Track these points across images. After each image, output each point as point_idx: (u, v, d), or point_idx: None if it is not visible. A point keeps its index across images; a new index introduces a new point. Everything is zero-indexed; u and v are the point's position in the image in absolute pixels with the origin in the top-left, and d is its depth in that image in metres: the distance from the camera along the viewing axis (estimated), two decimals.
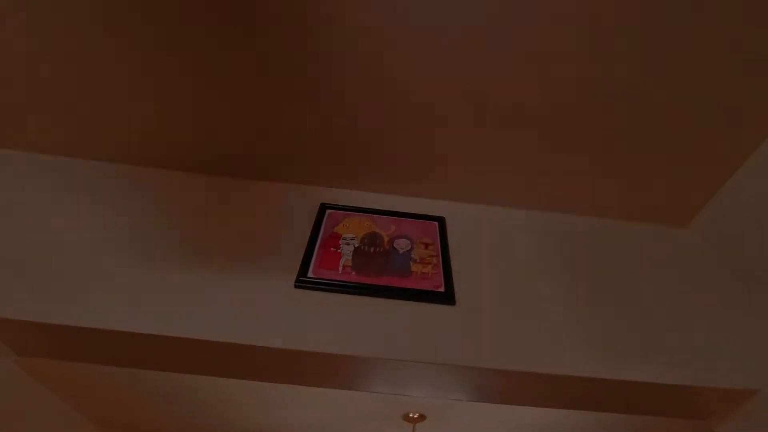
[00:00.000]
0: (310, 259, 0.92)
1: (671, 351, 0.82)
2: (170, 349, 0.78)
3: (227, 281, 0.85)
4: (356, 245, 0.97)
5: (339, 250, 0.95)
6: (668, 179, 1.06)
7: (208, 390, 2.00)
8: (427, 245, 1.00)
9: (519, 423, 2.18)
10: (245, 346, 0.75)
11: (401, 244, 1.00)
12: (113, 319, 0.75)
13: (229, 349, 0.76)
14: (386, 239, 1.00)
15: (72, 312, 0.75)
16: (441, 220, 1.08)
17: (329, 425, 2.28)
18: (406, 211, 1.10)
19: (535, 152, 1.03)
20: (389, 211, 1.09)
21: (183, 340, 0.75)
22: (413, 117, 0.97)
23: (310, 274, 0.88)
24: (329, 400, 2.04)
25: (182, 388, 2.00)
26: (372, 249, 0.97)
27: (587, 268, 1.00)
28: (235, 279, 0.86)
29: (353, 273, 0.90)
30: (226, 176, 1.13)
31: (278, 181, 1.15)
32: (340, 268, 0.91)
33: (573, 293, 0.93)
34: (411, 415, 2.13)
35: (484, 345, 0.80)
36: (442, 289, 0.89)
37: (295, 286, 0.86)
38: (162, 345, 0.77)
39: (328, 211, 1.06)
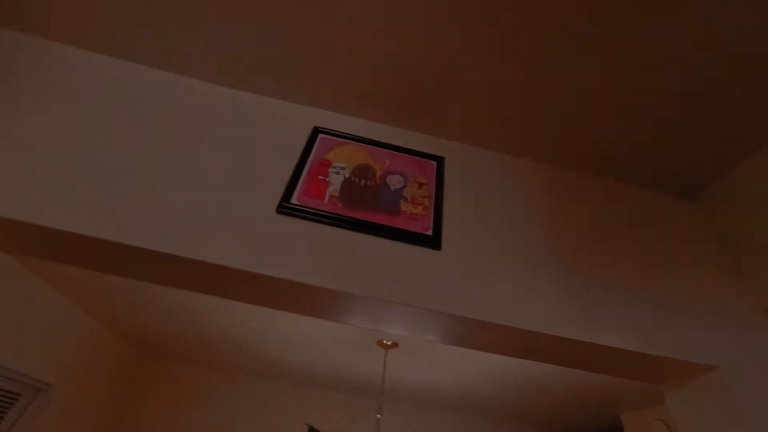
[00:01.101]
0: (296, 184, 0.86)
1: (646, 320, 0.82)
2: (141, 260, 0.75)
3: (207, 196, 0.80)
4: (346, 176, 0.91)
5: (327, 179, 0.89)
6: (685, 150, 0.99)
7: (183, 299, 2.07)
8: (421, 185, 0.94)
9: (489, 363, 2.33)
10: (216, 265, 0.72)
11: (394, 181, 0.93)
12: (101, 228, 0.71)
13: (199, 266, 0.73)
14: (379, 173, 0.94)
15: (60, 216, 0.70)
16: (440, 160, 1.01)
17: (301, 342, 2.42)
18: (405, 146, 1.02)
19: (549, 103, 0.93)
20: (386, 143, 1.01)
21: (155, 253, 0.72)
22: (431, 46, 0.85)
23: (293, 200, 0.83)
24: (303, 318, 2.14)
25: (165, 298, 2.06)
26: (363, 181, 0.91)
27: (579, 227, 0.97)
28: (215, 195, 0.80)
29: (340, 205, 0.85)
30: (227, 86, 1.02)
31: (269, 97, 1.04)
32: (327, 197, 0.86)
33: (560, 252, 0.91)
34: (384, 342, 2.26)
35: (464, 294, 0.78)
36: (429, 233, 0.85)
37: (277, 212, 0.81)
38: (134, 256, 0.74)
39: (320, 136, 0.98)
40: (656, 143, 0.99)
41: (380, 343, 2.29)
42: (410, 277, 0.78)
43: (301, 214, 0.81)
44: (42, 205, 0.72)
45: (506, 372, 2.43)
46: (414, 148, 1.03)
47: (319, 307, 0.80)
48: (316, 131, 0.98)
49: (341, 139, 0.99)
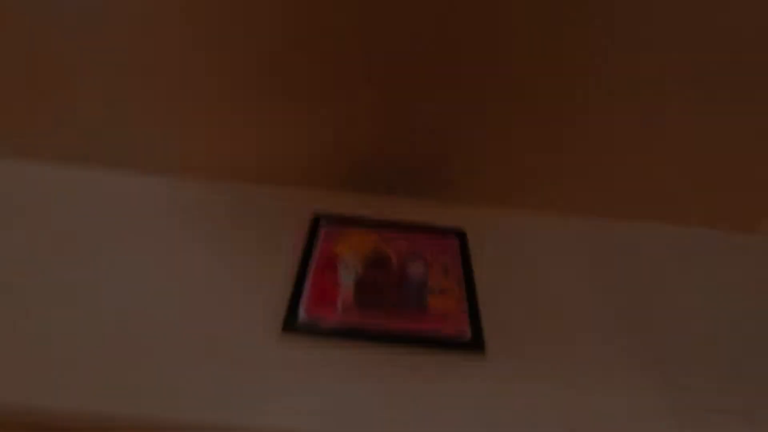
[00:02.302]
0: (300, 292, 0.72)
1: None
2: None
3: (190, 326, 0.66)
4: (359, 271, 0.77)
5: (338, 279, 0.75)
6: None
7: None
8: (446, 270, 0.81)
9: None
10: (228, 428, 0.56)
11: (415, 269, 0.80)
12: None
13: None
14: (396, 262, 0.81)
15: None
16: (462, 236, 0.88)
17: None
18: (418, 220, 0.90)
19: (581, 148, 0.82)
20: (398, 222, 0.89)
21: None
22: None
23: (301, 314, 0.68)
24: None
25: None
26: (379, 276, 0.77)
27: (661, 292, 0.82)
28: (197, 328, 0.66)
29: (356, 311, 0.71)
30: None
31: (257, 183, 0.93)
32: (340, 304, 0.71)
33: (646, 331, 0.75)
34: None
35: (528, 415, 0.62)
36: (467, 335, 0.70)
37: (283, 331, 0.66)
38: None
39: (322, 225, 0.86)
40: None
41: None
42: (452, 403, 0.62)
43: (312, 332, 0.66)
44: None
45: None
46: (430, 223, 0.90)
47: None
48: (317, 220, 0.86)
49: (346, 226, 0.86)
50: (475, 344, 0.69)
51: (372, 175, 0.90)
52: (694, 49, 0.72)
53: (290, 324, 0.67)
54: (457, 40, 0.72)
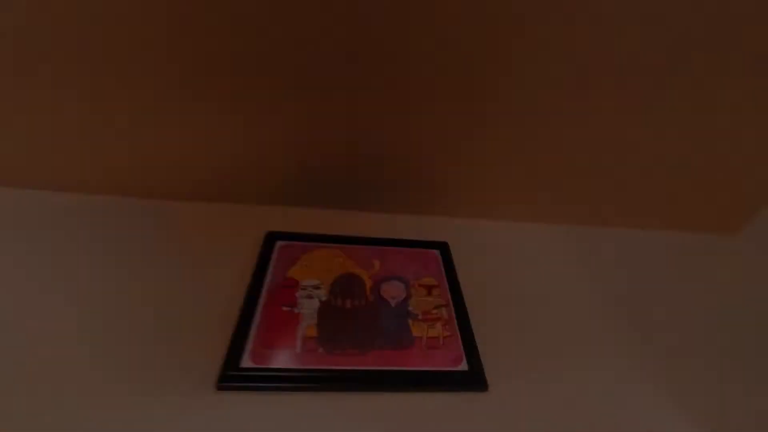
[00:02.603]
0: (247, 332, 0.55)
1: None
2: None
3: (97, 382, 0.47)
4: (323, 298, 0.62)
5: (296, 309, 0.60)
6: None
7: None
8: (430, 289, 0.67)
9: None
10: None
11: (392, 291, 0.66)
12: None
13: None
14: (369, 284, 0.66)
15: None
16: (443, 247, 0.76)
17: None
18: (390, 236, 0.77)
19: (569, 151, 0.74)
20: (368, 238, 0.75)
21: None
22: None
23: (245, 362, 0.52)
24: None
25: None
26: (349, 302, 0.62)
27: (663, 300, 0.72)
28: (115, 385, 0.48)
29: (320, 350, 0.55)
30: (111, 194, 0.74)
31: (201, 201, 0.77)
32: (299, 342, 0.55)
33: (655, 343, 0.64)
34: None
35: None
36: (464, 366, 0.56)
37: (218, 388, 0.49)
38: None
39: (278, 244, 0.70)
40: None
41: None
42: None
43: (261, 384, 0.50)
44: None
45: None
46: (405, 237, 0.77)
47: None
48: (271, 238, 0.71)
49: (307, 243, 0.71)
50: (473, 378, 0.54)
51: (334, 188, 0.77)
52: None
53: (229, 376, 0.49)
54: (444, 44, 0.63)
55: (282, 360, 0.52)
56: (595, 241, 0.86)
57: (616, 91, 0.66)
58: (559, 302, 0.70)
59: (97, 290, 0.58)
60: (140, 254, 0.65)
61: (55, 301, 0.55)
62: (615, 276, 0.78)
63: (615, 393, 0.57)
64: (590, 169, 0.78)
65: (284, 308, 0.59)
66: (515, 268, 0.76)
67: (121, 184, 0.73)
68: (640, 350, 0.64)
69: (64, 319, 0.53)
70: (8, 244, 0.62)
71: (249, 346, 0.53)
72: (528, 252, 0.80)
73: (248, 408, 0.48)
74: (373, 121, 0.68)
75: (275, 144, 0.70)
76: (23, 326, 0.51)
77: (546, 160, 0.76)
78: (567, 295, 0.72)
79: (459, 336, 0.60)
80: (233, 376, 0.49)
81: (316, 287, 0.63)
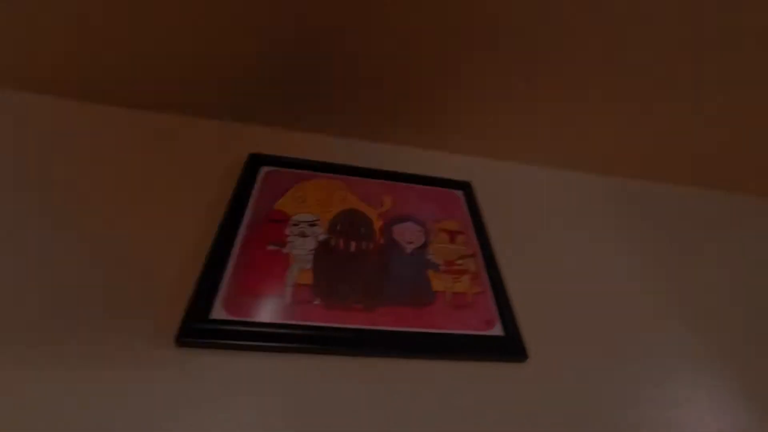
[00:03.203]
0: (221, 275, 0.42)
1: None
2: None
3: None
4: (320, 237, 0.49)
5: (285, 249, 0.46)
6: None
7: None
8: (453, 235, 0.54)
9: None
10: None
11: (407, 234, 0.53)
12: None
13: None
14: (378, 224, 0.53)
15: None
16: (466, 187, 0.62)
17: None
18: (405, 170, 0.63)
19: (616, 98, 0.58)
20: (377, 170, 0.60)
21: None
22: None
23: (216, 312, 0.39)
24: None
25: None
26: (352, 244, 0.49)
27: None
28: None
29: (317, 301, 0.42)
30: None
31: (171, 113, 0.61)
32: (288, 290, 0.42)
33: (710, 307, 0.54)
34: None
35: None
36: (498, 330, 0.44)
37: (178, 343, 0.36)
38: None
39: (263, 170, 0.55)
40: None
41: None
42: None
43: (235, 340, 0.37)
44: None
45: None
46: (421, 173, 0.63)
47: None
48: (256, 162, 0.56)
49: (302, 171, 0.57)
50: (510, 344, 0.43)
51: (336, 108, 0.62)
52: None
53: (193, 330, 0.37)
54: None
55: (266, 312, 0.40)
56: (636, 195, 0.73)
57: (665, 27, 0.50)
58: (600, 258, 0.59)
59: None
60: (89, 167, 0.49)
61: None
62: (656, 233, 0.66)
63: (667, 365, 0.47)
64: (633, 118, 0.63)
65: (270, 247, 0.46)
66: (549, 218, 0.63)
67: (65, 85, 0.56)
68: (682, 313, 0.53)
69: None
70: None
71: (222, 292, 0.40)
72: (564, 201, 0.67)
73: (218, 370, 0.35)
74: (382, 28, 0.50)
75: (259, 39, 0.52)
76: None
77: (577, 108, 0.61)
78: (607, 251, 0.60)
79: (490, 293, 0.48)
80: (199, 330, 0.37)
81: (312, 224, 0.50)
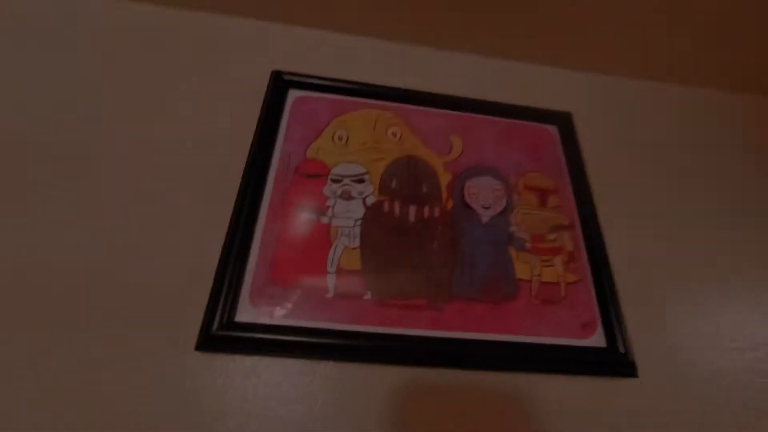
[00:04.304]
0: (245, 259, 0.32)
1: None
2: None
3: None
4: (371, 200, 0.37)
5: (325, 219, 0.35)
6: None
7: None
8: (544, 194, 0.40)
9: None
10: None
11: (483, 194, 0.39)
12: None
13: None
14: (445, 178, 0.39)
15: None
16: (564, 120, 0.45)
17: None
18: (479, 96, 0.45)
19: None
20: (443, 95, 0.44)
21: None
22: None
23: (242, 313, 0.30)
24: None
25: None
26: (414, 211, 0.37)
27: None
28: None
29: (368, 296, 0.33)
30: None
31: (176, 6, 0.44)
32: (331, 278, 0.33)
33: None
34: None
35: None
36: (598, 338, 0.34)
37: (198, 348, 0.29)
38: None
39: (292, 95, 0.41)
40: None
41: None
42: None
43: (263, 346, 0.30)
44: None
45: None
46: (502, 100, 0.46)
47: None
48: (282, 83, 0.41)
49: (344, 98, 0.42)
50: (615, 357, 0.33)
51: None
52: None
53: (213, 336, 0.29)
54: None
55: (302, 310, 0.31)
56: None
57: None
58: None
59: None
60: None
61: None
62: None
63: None
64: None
65: (305, 215, 0.35)
66: (670, 163, 0.46)
67: None
68: None
69: None
70: None
71: (248, 284, 0.31)
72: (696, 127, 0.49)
73: (238, 375, 0.29)
74: None
75: None
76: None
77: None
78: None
79: (591, 283, 0.36)
80: (220, 337, 0.29)
81: (359, 179, 0.38)
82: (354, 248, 0.34)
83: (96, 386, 0.28)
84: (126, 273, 0.31)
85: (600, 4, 0.43)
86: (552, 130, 0.45)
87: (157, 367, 0.29)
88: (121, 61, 0.41)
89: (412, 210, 0.37)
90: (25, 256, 0.31)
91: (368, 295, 0.32)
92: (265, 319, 0.30)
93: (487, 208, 0.38)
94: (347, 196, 0.37)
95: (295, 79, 0.42)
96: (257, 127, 0.38)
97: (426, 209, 0.37)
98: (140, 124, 0.38)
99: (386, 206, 0.37)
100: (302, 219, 0.35)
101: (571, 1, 0.43)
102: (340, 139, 0.40)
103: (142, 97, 0.39)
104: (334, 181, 0.37)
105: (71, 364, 0.28)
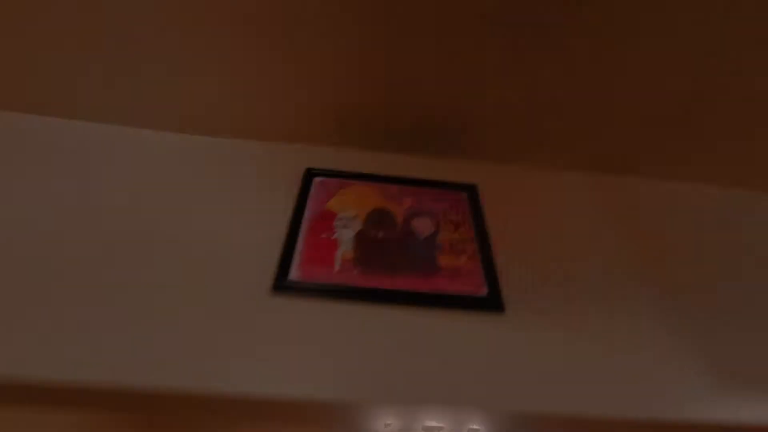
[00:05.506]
0: (292, 252, 0.63)
1: None
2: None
3: (178, 292, 0.57)
4: (358, 228, 0.69)
5: (334, 236, 0.67)
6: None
7: None
8: (457, 225, 0.72)
9: None
10: (196, 396, 0.48)
11: (421, 226, 0.71)
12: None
13: (170, 400, 0.49)
14: (400, 218, 0.72)
15: None
16: (472, 189, 0.79)
17: None
18: (423, 177, 0.81)
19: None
20: (401, 177, 0.79)
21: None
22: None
23: (293, 275, 0.60)
24: None
25: None
26: (381, 233, 0.69)
27: (678, 249, 0.74)
28: (186, 290, 0.58)
29: (355, 271, 0.62)
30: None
31: (247, 139, 0.83)
32: (337, 263, 0.63)
33: (668, 289, 0.67)
34: None
35: (553, 374, 0.54)
36: (484, 292, 0.62)
37: (273, 291, 0.58)
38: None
39: (316, 180, 0.76)
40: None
41: None
42: (470, 359, 0.54)
43: (305, 292, 0.58)
44: None
45: None
46: (436, 178, 0.81)
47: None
48: (310, 175, 0.77)
49: (344, 180, 0.77)
50: (492, 302, 0.60)
51: (370, 130, 0.81)
52: None
53: (281, 283, 0.58)
54: None
55: (322, 276, 0.60)
56: (629, 192, 0.86)
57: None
58: (581, 246, 0.73)
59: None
60: (207, 187, 0.73)
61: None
62: (645, 228, 0.79)
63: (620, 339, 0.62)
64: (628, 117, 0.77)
65: (324, 236, 0.66)
66: (541, 213, 0.79)
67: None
68: (658, 303, 0.67)
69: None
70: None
71: (295, 263, 0.61)
72: (556, 199, 0.82)
73: (294, 311, 0.56)
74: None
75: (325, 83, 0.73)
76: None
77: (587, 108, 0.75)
78: (590, 242, 0.75)
79: (482, 269, 0.65)
80: (284, 285, 0.58)
81: (351, 218, 0.70)
82: (350, 250, 0.64)
83: (208, 318, 0.55)
84: (235, 261, 0.61)
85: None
86: (465, 194, 0.79)
87: (252, 301, 0.56)
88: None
89: (381, 232, 0.68)
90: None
91: (356, 271, 0.62)
92: (303, 279, 0.59)
93: (423, 231, 0.70)
94: (345, 227, 0.68)
95: (316, 171, 0.77)
96: (298, 195, 0.72)
97: (388, 232, 0.69)
98: None
99: (367, 231, 0.68)
100: (322, 238, 0.66)
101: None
102: (342, 200, 0.73)
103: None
104: (339, 219, 0.69)
105: (196, 308, 0.56)
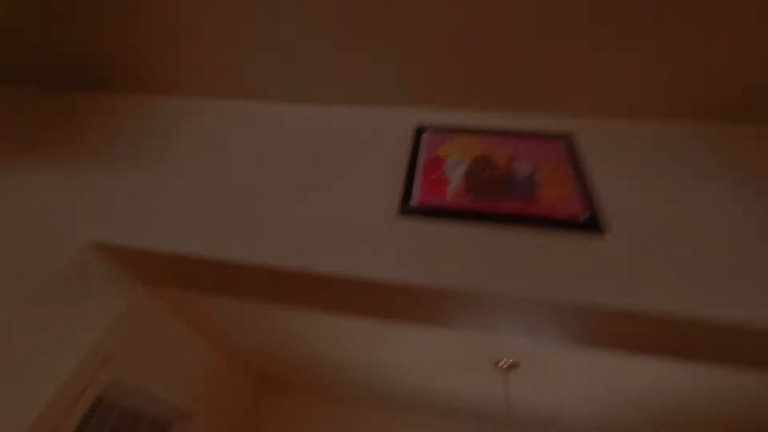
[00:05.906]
0: (411, 186, 0.78)
1: None
2: (267, 279, 0.73)
3: (327, 212, 0.76)
4: (465, 169, 0.81)
5: (444, 175, 0.80)
6: None
7: (298, 328, 2.10)
8: (554, 167, 0.80)
9: (625, 383, 1.96)
10: (349, 280, 0.66)
11: (521, 168, 0.81)
12: (219, 247, 0.71)
13: (332, 282, 0.68)
14: (502, 162, 0.82)
15: (173, 238, 0.73)
16: (567, 139, 0.86)
17: (414, 365, 2.30)
18: (522, 128, 0.90)
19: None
20: (501, 130, 0.89)
21: (279, 270, 0.69)
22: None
23: (414, 202, 0.75)
24: (416, 343, 2.03)
25: (279, 327, 2.13)
26: (485, 173, 0.80)
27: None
28: (334, 210, 0.77)
29: (466, 199, 0.75)
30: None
31: (361, 105, 1.01)
32: (449, 194, 0.76)
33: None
34: (503, 362, 2.03)
35: (655, 281, 0.61)
36: (582, 218, 0.70)
37: (400, 213, 0.74)
38: (256, 274, 0.72)
39: (425, 135, 0.90)
40: None
41: (498, 365, 2.07)
42: (567, 270, 0.64)
43: (425, 214, 0.73)
44: (178, 234, 0.74)
45: (652, 397, 2.00)
46: (536, 130, 0.89)
47: (464, 314, 0.69)
48: (420, 131, 0.91)
49: (450, 133, 0.90)
50: (591, 224, 0.68)
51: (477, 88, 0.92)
52: None
53: (405, 208, 0.74)
54: None
55: (438, 201, 0.74)
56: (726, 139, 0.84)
57: None
58: (686, 191, 0.76)
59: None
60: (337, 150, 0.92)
61: None
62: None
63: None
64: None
65: (435, 176, 0.80)
66: (642, 161, 0.82)
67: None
68: None
69: None
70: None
71: (415, 194, 0.76)
72: (657, 148, 0.84)
73: (418, 229, 0.71)
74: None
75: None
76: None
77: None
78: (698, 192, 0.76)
79: (580, 199, 0.73)
80: (407, 209, 0.74)
81: (459, 162, 0.83)
82: (459, 184, 0.77)
83: (358, 233, 0.73)
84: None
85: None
86: (560, 142, 0.86)
87: (382, 221, 0.73)
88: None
89: (486, 173, 0.80)
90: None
91: (467, 199, 0.74)
92: (423, 203, 0.74)
93: (523, 172, 0.79)
94: (454, 168, 0.81)
95: (425, 127, 0.91)
96: (411, 149, 0.87)
97: (493, 173, 0.80)
98: None
99: (473, 171, 0.80)
100: (434, 178, 0.80)
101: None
102: (450, 148, 0.86)
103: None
104: (448, 163, 0.83)
105: (348, 228, 0.74)
